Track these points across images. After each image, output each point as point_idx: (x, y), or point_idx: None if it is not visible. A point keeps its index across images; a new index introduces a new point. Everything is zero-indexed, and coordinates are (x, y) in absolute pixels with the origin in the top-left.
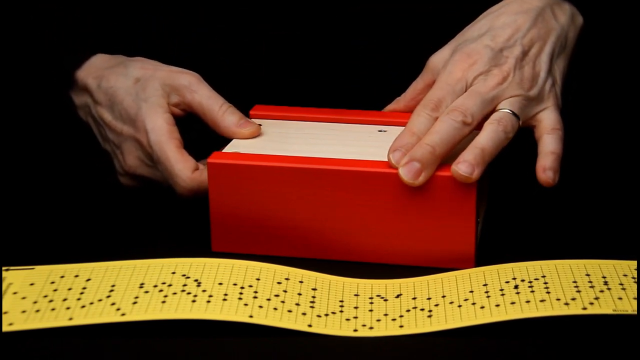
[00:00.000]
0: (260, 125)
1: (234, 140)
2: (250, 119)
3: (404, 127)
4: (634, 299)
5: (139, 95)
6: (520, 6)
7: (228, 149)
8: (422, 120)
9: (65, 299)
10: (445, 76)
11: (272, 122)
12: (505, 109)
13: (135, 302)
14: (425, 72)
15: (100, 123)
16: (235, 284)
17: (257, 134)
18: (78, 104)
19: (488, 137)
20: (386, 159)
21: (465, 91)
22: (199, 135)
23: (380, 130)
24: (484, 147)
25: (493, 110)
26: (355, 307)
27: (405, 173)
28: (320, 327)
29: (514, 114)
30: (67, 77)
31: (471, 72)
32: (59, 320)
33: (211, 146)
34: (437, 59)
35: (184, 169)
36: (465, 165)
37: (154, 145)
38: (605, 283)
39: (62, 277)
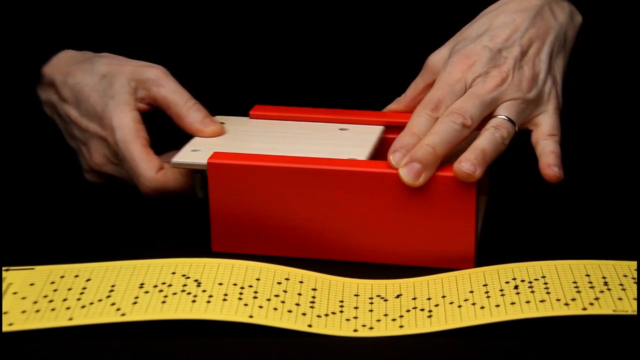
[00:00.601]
0: (223, 124)
1: (195, 138)
2: (253, 118)
3: (404, 128)
4: (634, 299)
5: (106, 92)
6: (519, 5)
7: (189, 146)
8: (422, 121)
9: (65, 299)
10: (445, 77)
11: (237, 120)
12: (502, 115)
13: (135, 302)
14: (425, 71)
15: (67, 120)
16: (235, 284)
17: (220, 133)
18: (44, 99)
19: (487, 141)
20: (345, 157)
21: (465, 92)
22: (166, 132)
23: (341, 129)
24: (484, 148)
25: (492, 113)
26: (355, 307)
27: (406, 174)
28: (320, 327)
29: (510, 120)
30: (33, 72)
31: (470, 73)
32: (59, 320)
33: (178, 144)
34: (436, 58)
35: (148, 168)
36: (469, 164)
37: (119, 143)
38: (605, 283)
39: (62, 277)
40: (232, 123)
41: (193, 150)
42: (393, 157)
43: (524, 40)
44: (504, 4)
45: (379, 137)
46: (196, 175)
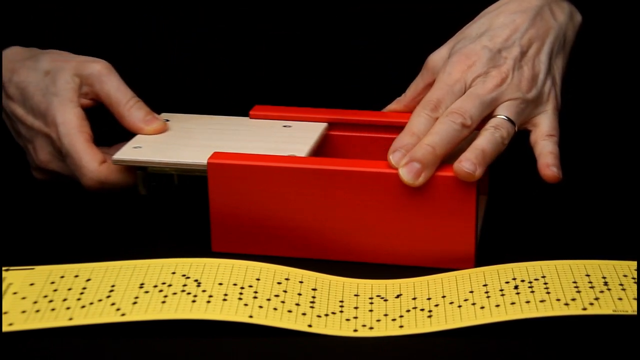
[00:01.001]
0: (167, 121)
1: (137, 135)
2: (253, 118)
3: (404, 128)
4: (634, 299)
5: (49, 89)
6: (519, 5)
7: (131, 143)
8: (421, 121)
9: (65, 299)
10: (444, 77)
11: (182, 117)
12: (501, 115)
13: (135, 302)
14: (425, 71)
15: (13, 118)
16: (235, 284)
17: (163, 131)
18: None
19: (487, 141)
20: (285, 153)
21: (464, 92)
22: (110, 128)
23: (285, 126)
24: (484, 148)
25: (492, 113)
26: (355, 307)
27: (406, 173)
28: (320, 327)
29: (510, 120)
30: None
31: (470, 73)
32: (59, 320)
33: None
34: (436, 57)
35: (91, 160)
36: (469, 163)
37: (63, 138)
38: (605, 283)
39: (62, 277)
40: (177, 120)
41: (135, 147)
42: (393, 157)
43: (523, 41)
44: (504, 4)
45: (321, 135)
46: (138, 172)
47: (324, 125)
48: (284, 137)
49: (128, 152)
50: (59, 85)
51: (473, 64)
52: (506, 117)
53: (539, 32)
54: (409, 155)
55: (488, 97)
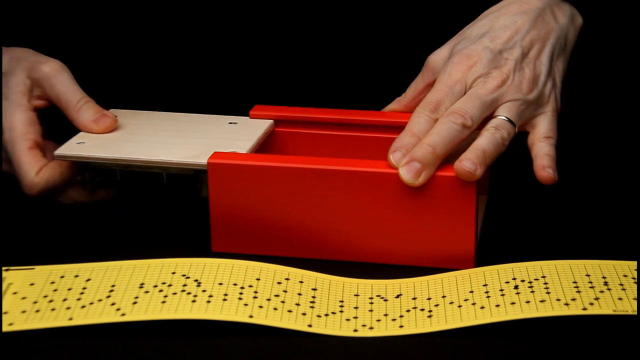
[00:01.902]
0: (116, 117)
1: (81, 132)
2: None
3: (404, 128)
4: (634, 299)
5: (3, 92)
6: (520, 7)
7: (75, 139)
8: (421, 122)
9: (65, 299)
10: (445, 78)
11: (130, 113)
12: (502, 116)
13: (135, 302)
14: (425, 71)
15: None
16: (235, 284)
17: (114, 127)
18: None
19: (487, 141)
20: (228, 150)
21: (465, 92)
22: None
23: (230, 123)
24: (484, 149)
25: (492, 113)
26: (355, 307)
27: (406, 173)
28: (320, 327)
29: (510, 121)
30: None
31: (470, 74)
32: (59, 320)
33: None
34: (436, 57)
35: (29, 170)
36: (470, 162)
37: (7, 144)
38: (605, 283)
39: (62, 277)
40: (125, 116)
41: (78, 143)
42: (393, 157)
43: (525, 42)
44: (505, 6)
45: (266, 131)
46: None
47: (269, 122)
48: (228, 134)
49: (71, 148)
50: (10, 88)
51: (474, 65)
52: (507, 118)
53: (540, 33)
54: (409, 155)
55: (489, 98)
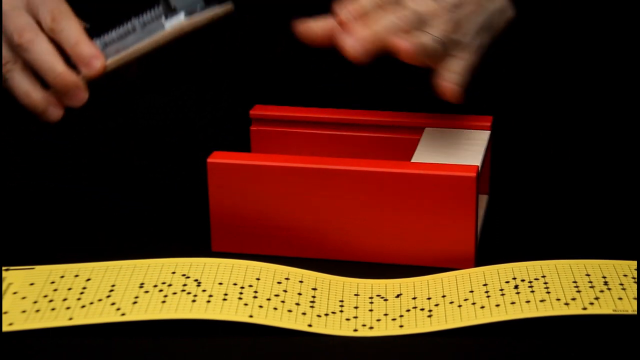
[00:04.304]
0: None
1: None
2: (253, 119)
3: (404, 128)
4: (634, 299)
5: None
6: None
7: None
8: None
9: (65, 299)
10: None
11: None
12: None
13: (135, 302)
14: None
15: None
16: (235, 284)
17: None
18: None
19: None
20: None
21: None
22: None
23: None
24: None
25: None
26: (355, 307)
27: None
28: (320, 327)
29: (436, 39)
30: None
31: None
32: (59, 320)
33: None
34: None
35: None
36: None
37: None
38: (605, 283)
39: (62, 277)
40: None
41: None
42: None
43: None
44: None
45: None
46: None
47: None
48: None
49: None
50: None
51: None
52: (433, 35)
53: (473, 1)
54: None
55: (420, 15)
